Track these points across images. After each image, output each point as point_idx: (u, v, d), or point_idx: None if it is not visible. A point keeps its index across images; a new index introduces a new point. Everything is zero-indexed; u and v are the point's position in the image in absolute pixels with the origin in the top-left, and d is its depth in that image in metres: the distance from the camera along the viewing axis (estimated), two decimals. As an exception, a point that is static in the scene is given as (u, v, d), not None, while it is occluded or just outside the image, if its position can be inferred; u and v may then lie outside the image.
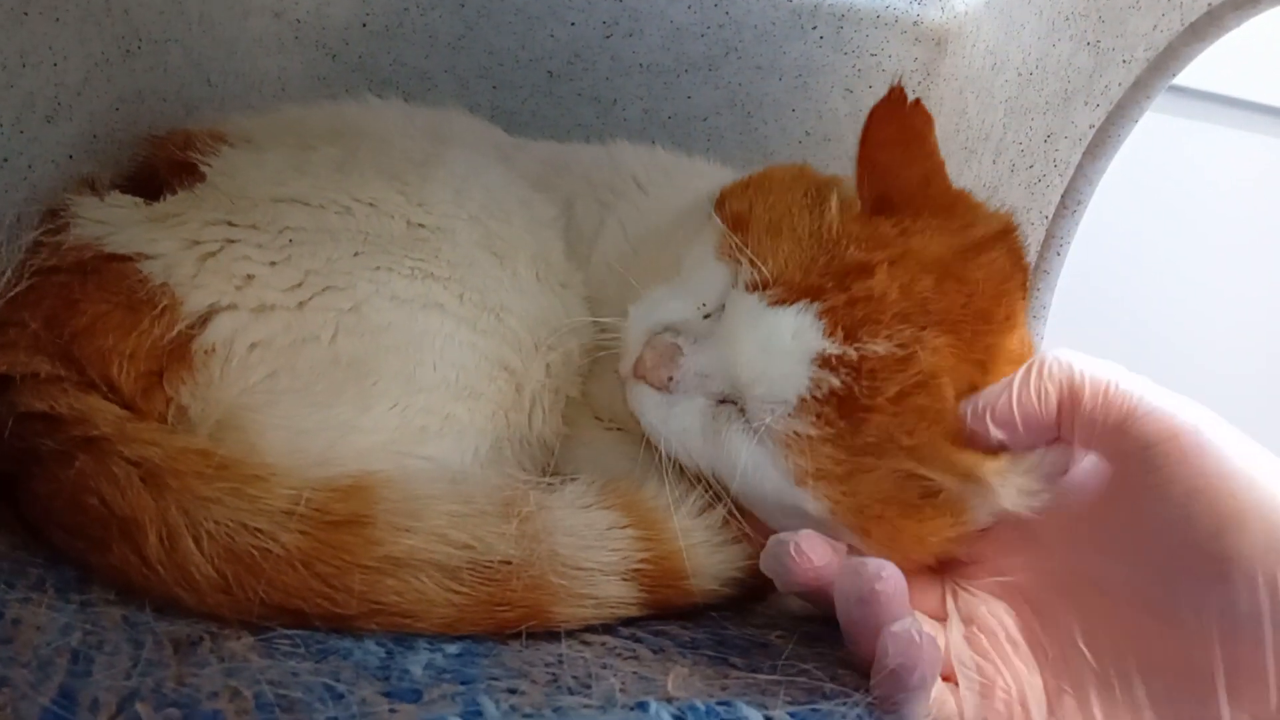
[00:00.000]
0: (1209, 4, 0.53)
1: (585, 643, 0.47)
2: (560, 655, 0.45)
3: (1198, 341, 1.12)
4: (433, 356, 0.53)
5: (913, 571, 0.46)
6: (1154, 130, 0.63)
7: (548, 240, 0.59)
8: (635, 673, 0.45)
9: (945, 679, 0.47)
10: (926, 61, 0.86)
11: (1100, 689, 0.44)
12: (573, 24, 0.83)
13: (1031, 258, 0.62)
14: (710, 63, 0.86)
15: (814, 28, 0.85)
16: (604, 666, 0.45)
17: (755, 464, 0.51)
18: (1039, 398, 0.47)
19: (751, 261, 0.52)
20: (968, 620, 0.49)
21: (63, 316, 0.48)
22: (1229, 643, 0.40)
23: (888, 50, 0.86)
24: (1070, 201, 0.62)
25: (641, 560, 0.49)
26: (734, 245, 0.53)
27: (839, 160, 0.60)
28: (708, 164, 0.75)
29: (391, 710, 0.39)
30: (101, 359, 0.48)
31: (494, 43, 0.84)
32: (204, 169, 0.55)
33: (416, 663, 0.43)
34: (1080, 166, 0.62)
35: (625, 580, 0.49)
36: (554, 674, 0.44)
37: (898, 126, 0.53)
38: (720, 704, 0.42)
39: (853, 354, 0.49)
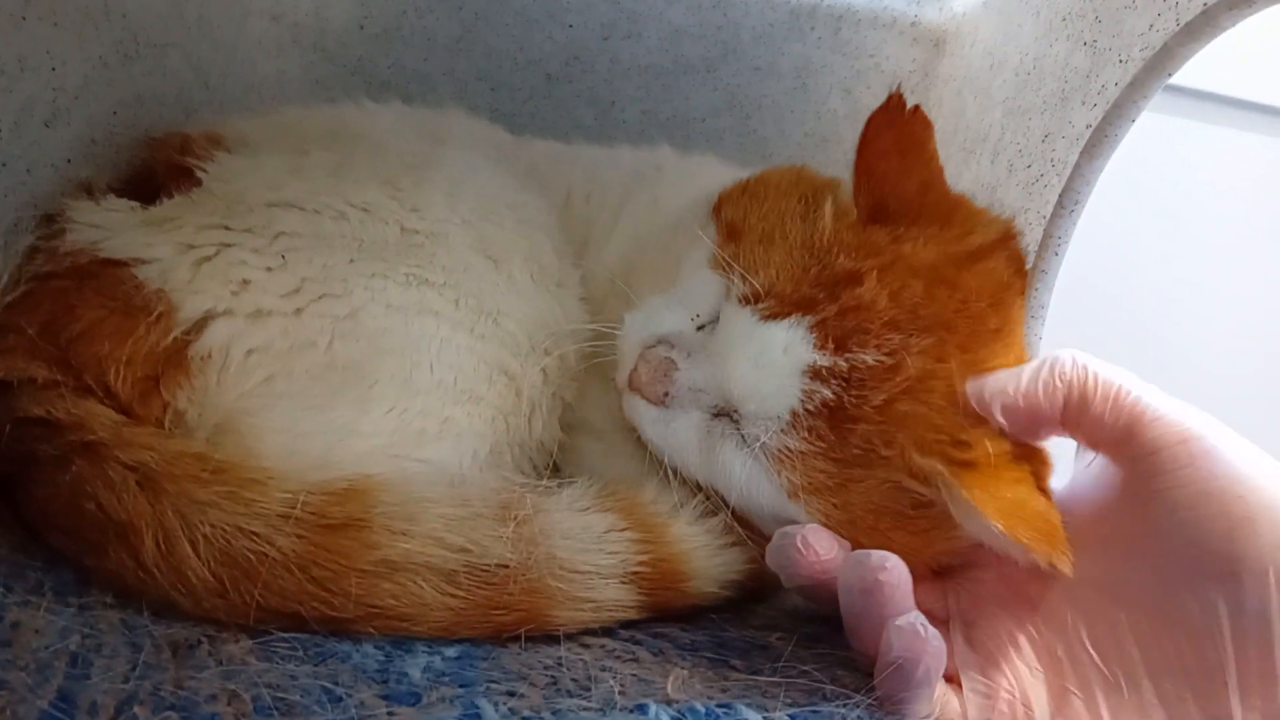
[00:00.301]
0: (1204, 4, 0.53)
1: (584, 645, 0.47)
2: (559, 658, 0.45)
3: (1195, 341, 1.12)
4: (430, 359, 0.53)
5: (914, 575, 0.46)
6: (1151, 130, 0.63)
7: (540, 242, 0.59)
8: (634, 675, 0.45)
9: (949, 680, 0.47)
10: (925, 62, 0.86)
11: (1107, 690, 0.44)
12: (571, 26, 0.83)
13: (1029, 258, 0.62)
14: (708, 64, 0.86)
15: (812, 29, 0.85)
16: (603, 669, 0.45)
17: (750, 479, 0.52)
18: (1046, 393, 0.47)
19: (743, 275, 0.52)
20: (970, 621, 0.49)
21: (59, 322, 0.48)
22: (1240, 642, 0.41)
23: (886, 51, 0.86)
24: (1068, 201, 0.62)
25: (640, 563, 0.49)
26: (726, 259, 0.53)
27: (838, 161, 0.60)
28: (716, 161, 0.75)
29: (390, 713, 0.39)
30: (98, 365, 0.48)
31: (492, 45, 0.84)
32: (200, 174, 0.54)
33: (415, 666, 0.43)
34: (1078, 166, 0.61)
35: (624, 583, 0.49)
36: (553, 676, 0.44)
37: (896, 134, 0.53)
38: (720, 706, 0.42)
39: (843, 364, 0.49)
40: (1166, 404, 0.45)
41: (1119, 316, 1.08)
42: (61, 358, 0.48)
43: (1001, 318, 0.52)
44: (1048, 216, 0.63)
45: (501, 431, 0.56)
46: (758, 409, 0.51)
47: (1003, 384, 0.48)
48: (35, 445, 0.46)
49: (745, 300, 0.52)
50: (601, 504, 0.51)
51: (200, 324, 0.50)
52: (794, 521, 0.51)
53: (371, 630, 0.45)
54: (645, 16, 0.83)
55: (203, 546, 0.44)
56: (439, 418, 0.53)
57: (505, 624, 0.46)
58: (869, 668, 0.46)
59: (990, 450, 0.47)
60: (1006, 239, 0.56)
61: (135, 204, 0.54)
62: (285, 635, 0.44)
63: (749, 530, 0.54)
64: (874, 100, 0.86)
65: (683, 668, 0.46)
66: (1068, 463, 0.52)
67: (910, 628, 0.43)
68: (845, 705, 0.44)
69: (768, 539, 0.51)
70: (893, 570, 0.45)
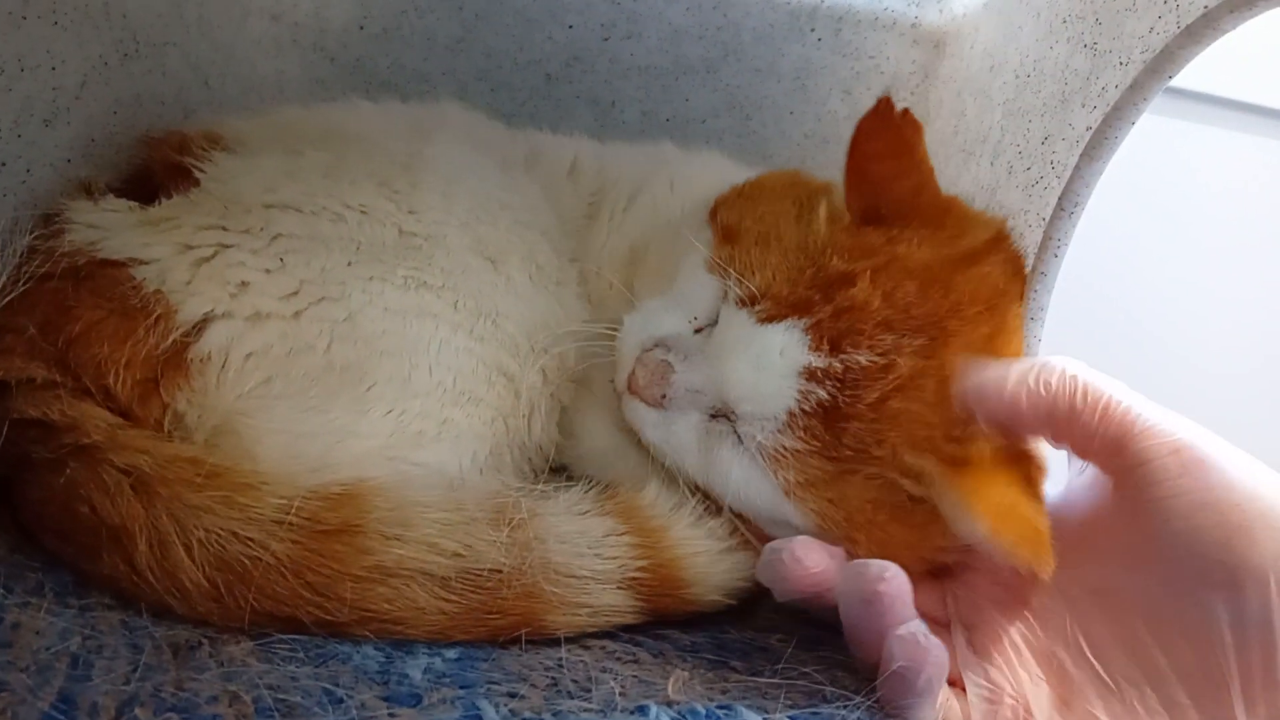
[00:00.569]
0: (1205, 6, 0.53)
1: (585, 647, 0.48)
2: (560, 659, 0.45)
3: (1195, 343, 1.12)
4: (428, 361, 0.53)
5: (912, 576, 0.46)
6: (1151, 132, 0.63)
7: (536, 241, 0.59)
8: (635, 676, 0.45)
9: (951, 684, 0.47)
10: (925, 64, 0.86)
11: (1108, 697, 0.44)
12: (571, 27, 0.83)
13: (1029, 260, 0.62)
14: (709, 65, 0.86)
15: (812, 30, 0.85)
16: (604, 670, 0.45)
17: (747, 478, 0.52)
18: (1030, 400, 0.47)
19: (739, 278, 0.52)
20: (971, 625, 0.49)
21: (57, 324, 0.48)
22: (1243, 648, 0.41)
23: (886, 52, 0.86)
24: (1067, 203, 0.62)
25: (639, 569, 0.49)
26: (722, 262, 0.53)
27: (837, 163, 0.60)
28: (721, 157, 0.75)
29: (391, 715, 0.39)
30: (97, 367, 0.48)
31: (492, 45, 0.84)
32: (198, 174, 0.54)
33: (416, 667, 0.43)
34: (1078, 168, 0.61)
35: (621, 589, 0.48)
36: (554, 678, 0.44)
37: (887, 138, 0.53)
38: (720, 707, 0.42)
39: (838, 365, 0.49)
40: (1156, 414, 0.45)
41: (1119, 319, 1.08)
42: (60, 359, 0.48)
43: (996, 323, 0.52)
44: (1047, 219, 0.63)
45: (501, 433, 0.56)
46: (755, 410, 0.51)
47: (987, 384, 0.48)
48: (30, 447, 0.46)
49: (742, 303, 0.52)
50: (600, 508, 0.51)
51: (199, 326, 0.50)
52: (788, 521, 0.52)
53: (366, 634, 0.45)
54: (645, 17, 0.83)
55: (197, 551, 0.44)
56: (438, 419, 0.53)
57: (500, 628, 0.46)
58: (871, 672, 0.46)
59: (983, 451, 0.47)
60: (1000, 240, 0.56)
61: (134, 204, 0.53)
62: (286, 637, 0.44)
63: (750, 529, 0.54)
64: (873, 102, 0.87)
65: (683, 669, 0.46)
66: (1065, 466, 0.52)
67: (911, 637, 0.43)
68: (845, 707, 0.44)
69: (767, 539, 0.51)
70: (892, 580, 0.45)
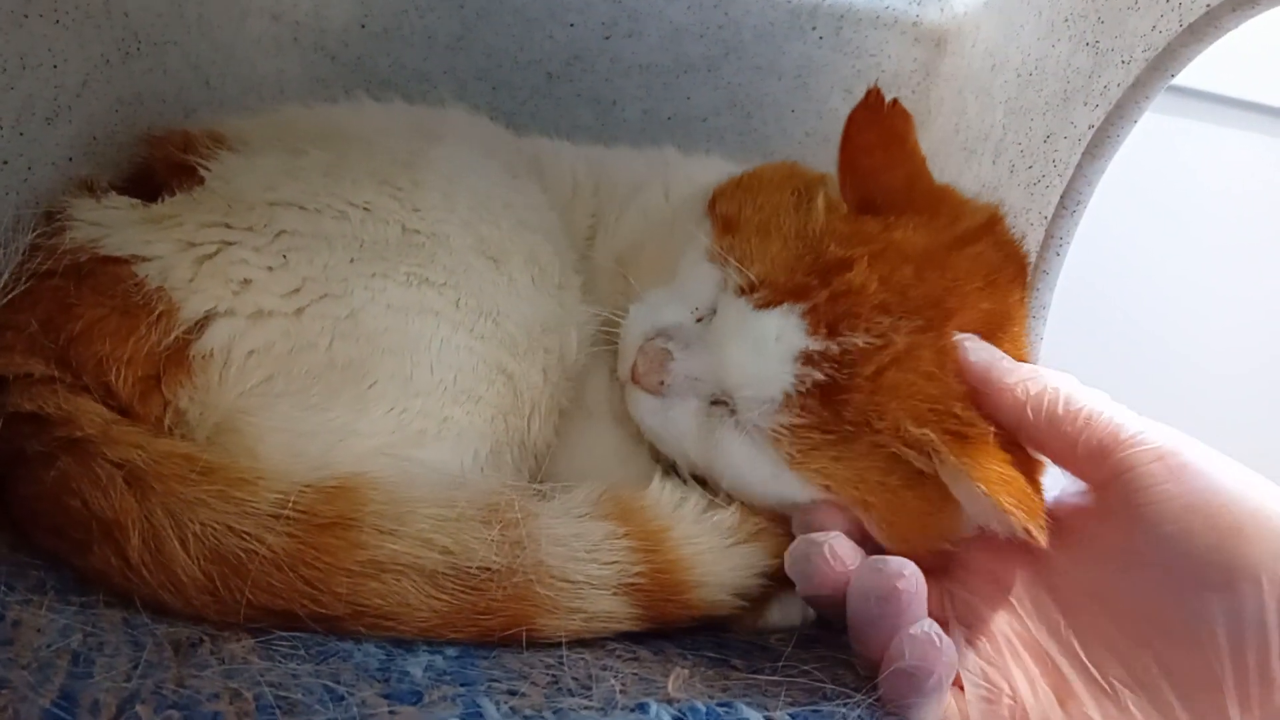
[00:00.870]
0: (1207, 5, 0.53)
1: (585, 645, 0.47)
2: (561, 657, 0.45)
3: (1197, 341, 1.12)
4: (430, 359, 0.53)
5: (922, 560, 0.47)
6: (1153, 130, 0.63)
7: (539, 243, 0.59)
8: (635, 674, 0.45)
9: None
10: (926, 62, 0.86)
11: (1103, 698, 0.44)
12: (572, 25, 0.83)
13: (1031, 258, 0.62)
14: (710, 63, 0.86)
15: (813, 28, 0.85)
16: (604, 668, 0.45)
17: (748, 459, 0.53)
18: (1007, 407, 0.48)
19: (738, 267, 0.53)
20: (969, 624, 0.49)
21: (58, 321, 0.48)
22: (1237, 648, 0.41)
23: (887, 51, 0.86)
24: (1069, 202, 0.62)
25: (637, 574, 0.48)
26: (721, 251, 0.54)
27: (837, 156, 0.61)
28: (721, 160, 0.75)
29: (391, 712, 0.39)
30: (98, 364, 0.48)
31: (493, 44, 0.84)
32: (203, 172, 0.54)
33: (417, 664, 0.43)
34: (1079, 167, 0.62)
35: (617, 594, 0.48)
36: (554, 676, 0.44)
37: (877, 130, 0.54)
38: (721, 705, 0.42)
39: (834, 348, 0.50)
40: (1139, 422, 0.46)
41: (1121, 317, 1.08)
42: (61, 356, 0.48)
43: (995, 299, 0.53)
44: (1049, 217, 0.64)
45: (501, 431, 0.56)
46: (753, 394, 0.52)
47: (987, 381, 0.49)
48: (23, 442, 0.46)
49: (740, 291, 0.53)
50: (599, 510, 0.50)
51: (202, 323, 0.50)
52: (793, 498, 0.52)
53: (359, 629, 0.45)
54: (646, 15, 0.83)
55: (193, 544, 0.43)
56: (439, 418, 0.53)
57: (490, 628, 0.46)
58: (871, 672, 0.46)
59: (985, 430, 0.48)
60: (993, 223, 0.56)
61: (136, 201, 0.53)
62: (286, 634, 0.44)
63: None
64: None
65: (683, 667, 0.46)
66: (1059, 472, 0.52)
67: (925, 637, 0.43)
68: (846, 705, 0.44)
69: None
70: (910, 578, 0.45)
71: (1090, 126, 0.61)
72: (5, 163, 0.53)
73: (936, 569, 0.52)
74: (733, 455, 0.53)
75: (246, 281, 0.51)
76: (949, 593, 0.51)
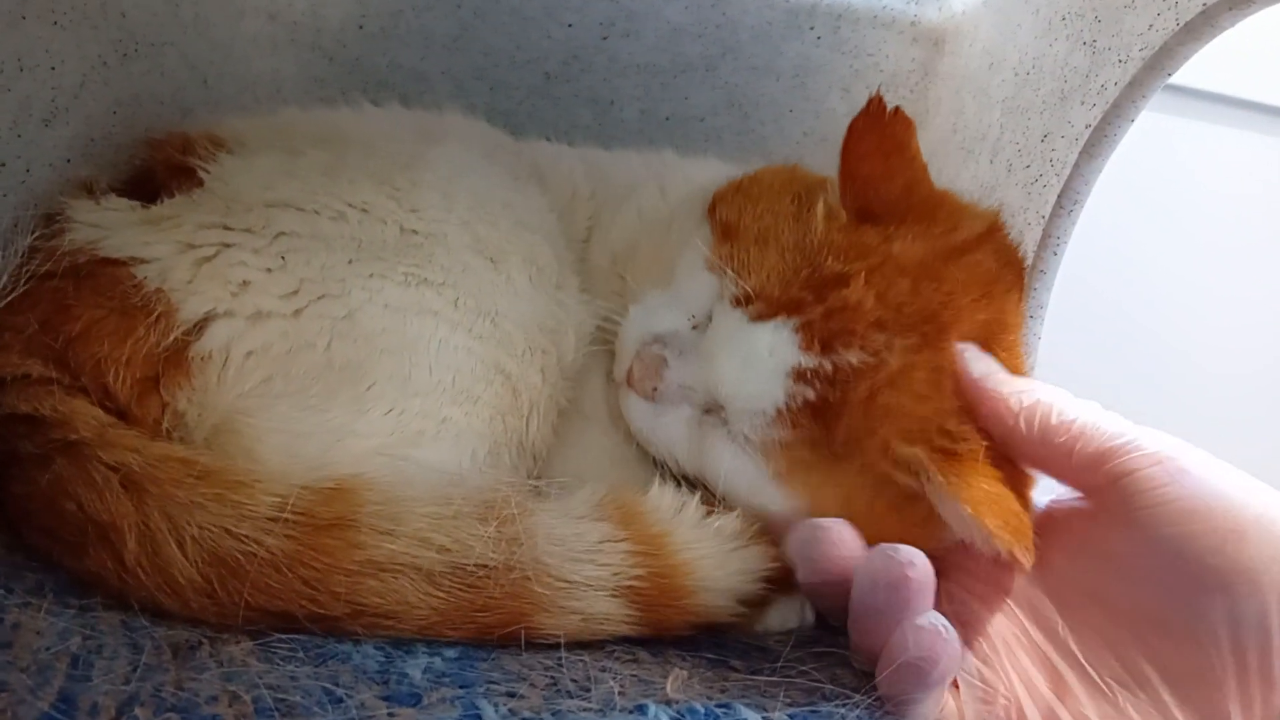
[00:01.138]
0: (1204, 3, 0.53)
1: (584, 646, 0.47)
2: (559, 659, 0.45)
3: (1194, 340, 1.12)
4: (428, 360, 0.53)
5: None
6: (1150, 129, 0.63)
7: (537, 244, 0.59)
8: (634, 676, 0.45)
9: None
10: (924, 61, 0.86)
11: (1100, 698, 0.44)
12: (569, 25, 0.83)
13: (1028, 257, 0.63)
14: (707, 63, 0.86)
15: (811, 28, 0.85)
16: (603, 670, 0.45)
17: (737, 469, 0.53)
18: (1000, 418, 0.48)
19: (735, 278, 0.53)
20: (966, 624, 0.50)
21: (57, 322, 0.48)
22: (1238, 650, 0.41)
23: (885, 50, 0.86)
24: (1067, 201, 0.63)
25: (635, 577, 0.48)
26: (719, 261, 0.54)
27: (836, 161, 0.61)
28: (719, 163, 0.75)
29: (390, 714, 0.39)
30: (96, 366, 0.48)
31: (490, 44, 0.84)
32: (202, 175, 0.54)
33: (415, 666, 0.43)
34: (1077, 166, 0.62)
35: (615, 597, 0.48)
36: (553, 677, 0.44)
37: (878, 137, 0.54)
38: (719, 706, 0.42)
39: (827, 365, 0.50)
40: (1134, 430, 0.46)
41: (1118, 316, 1.08)
42: (59, 357, 0.48)
43: (992, 309, 0.53)
44: (1047, 216, 0.64)
45: (499, 431, 0.56)
46: (743, 406, 0.52)
47: (983, 395, 0.49)
48: (18, 443, 0.46)
49: (736, 301, 0.53)
50: (598, 512, 0.50)
51: (200, 325, 0.50)
52: (780, 510, 0.52)
53: (358, 629, 0.45)
54: (644, 15, 0.83)
55: (190, 547, 0.43)
56: (437, 418, 0.53)
57: (488, 626, 0.46)
58: (869, 667, 0.46)
59: (974, 448, 0.48)
60: (993, 231, 0.56)
61: (135, 203, 0.53)
62: (285, 636, 0.44)
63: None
64: (872, 100, 0.87)
65: (682, 668, 0.46)
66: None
67: (931, 628, 0.43)
68: (845, 705, 0.44)
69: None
70: (920, 567, 0.45)
71: (1087, 125, 0.61)
72: (3, 165, 0.53)
73: (934, 568, 0.52)
74: (722, 464, 0.53)
75: (245, 283, 0.51)
76: (946, 592, 0.51)
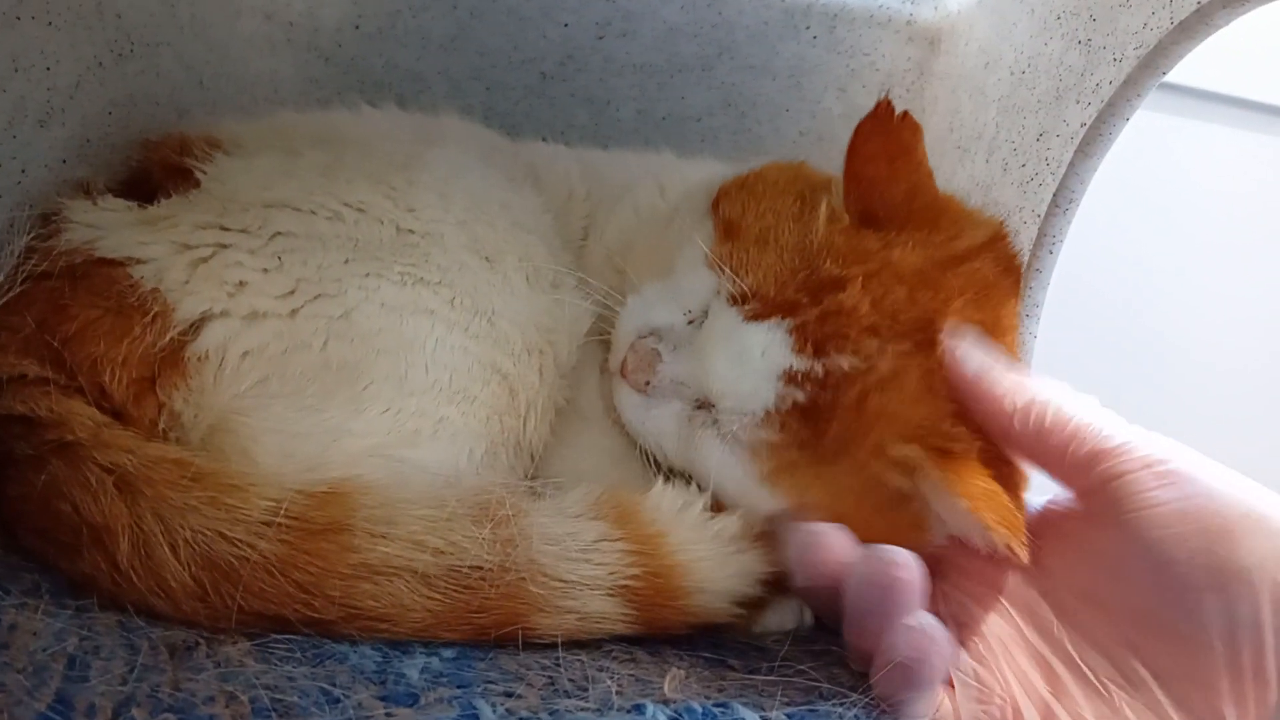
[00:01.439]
0: (1198, 2, 0.53)
1: (582, 646, 0.47)
2: (557, 659, 0.45)
3: (1190, 339, 1.12)
4: (424, 359, 0.53)
5: None
6: (1145, 128, 0.63)
7: (533, 244, 0.59)
8: (632, 675, 0.45)
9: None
10: (920, 61, 0.86)
11: (1096, 697, 0.44)
12: (566, 25, 0.83)
13: (1024, 256, 0.63)
14: (704, 63, 0.86)
15: (807, 28, 0.85)
16: (600, 669, 0.45)
17: (725, 466, 0.53)
18: (994, 416, 0.48)
19: (732, 277, 0.53)
20: (962, 624, 0.50)
21: (53, 322, 0.48)
22: (1231, 650, 0.41)
23: (881, 50, 0.86)
24: (1062, 199, 0.62)
25: (631, 577, 0.48)
26: (719, 259, 0.54)
27: (833, 160, 0.61)
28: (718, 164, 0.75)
29: (388, 714, 0.39)
30: (93, 365, 0.48)
31: (487, 44, 0.83)
32: (199, 175, 0.54)
33: (413, 667, 0.43)
34: (1072, 165, 0.62)
35: (611, 596, 0.48)
36: (550, 677, 0.44)
37: (884, 140, 0.54)
38: (717, 705, 0.42)
39: (819, 369, 0.50)
40: (1127, 431, 0.46)
41: (1114, 315, 1.08)
42: (56, 356, 0.48)
43: (987, 316, 0.52)
44: (1042, 215, 0.64)
45: (496, 431, 0.56)
46: (734, 405, 0.53)
47: (979, 388, 0.49)
48: (14, 444, 0.46)
49: (733, 300, 0.53)
50: (594, 511, 0.50)
51: (197, 325, 0.50)
52: (767, 510, 0.52)
53: (353, 632, 0.45)
54: (640, 15, 0.83)
55: (183, 550, 0.43)
56: (434, 417, 0.53)
57: (485, 627, 0.46)
58: (866, 667, 0.46)
59: (968, 448, 0.48)
60: (996, 240, 0.56)
61: (131, 204, 0.53)
62: (282, 637, 0.44)
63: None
64: (869, 99, 0.86)
65: (680, 667, 0.46)
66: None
67: (920, 628, 0.43)
68: (842, 704, 0.44)
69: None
70: (910, 568, 0.46)
71: (1082, 124, 0.61)
72: (-2, 165, 0.53)
73: (930, 569, 0.52)
74: (710, 460, 0.54)
75: (241, 284, 0.51)
76: (942, 592, 0.51)
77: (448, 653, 0.45)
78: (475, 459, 0.54)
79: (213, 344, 0.49)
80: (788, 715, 0.42)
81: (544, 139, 0.83)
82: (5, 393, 0.47)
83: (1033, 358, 0.63)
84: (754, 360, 0.52)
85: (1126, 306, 1.10)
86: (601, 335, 0.61)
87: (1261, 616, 0.40)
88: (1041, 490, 0.52)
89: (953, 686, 0.47)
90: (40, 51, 0.55)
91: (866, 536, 0.49)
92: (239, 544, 0.44)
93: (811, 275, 0.52)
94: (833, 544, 0.48)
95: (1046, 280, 0.63)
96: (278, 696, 0.39)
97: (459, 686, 0.42)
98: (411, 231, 0.55)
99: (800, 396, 0.50)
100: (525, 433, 0.57)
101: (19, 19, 0.53)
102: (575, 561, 0.48)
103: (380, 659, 0.44)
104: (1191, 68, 0.57)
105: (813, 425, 0.50)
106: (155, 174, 0.56)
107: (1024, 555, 0.45)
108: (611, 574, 0.48)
